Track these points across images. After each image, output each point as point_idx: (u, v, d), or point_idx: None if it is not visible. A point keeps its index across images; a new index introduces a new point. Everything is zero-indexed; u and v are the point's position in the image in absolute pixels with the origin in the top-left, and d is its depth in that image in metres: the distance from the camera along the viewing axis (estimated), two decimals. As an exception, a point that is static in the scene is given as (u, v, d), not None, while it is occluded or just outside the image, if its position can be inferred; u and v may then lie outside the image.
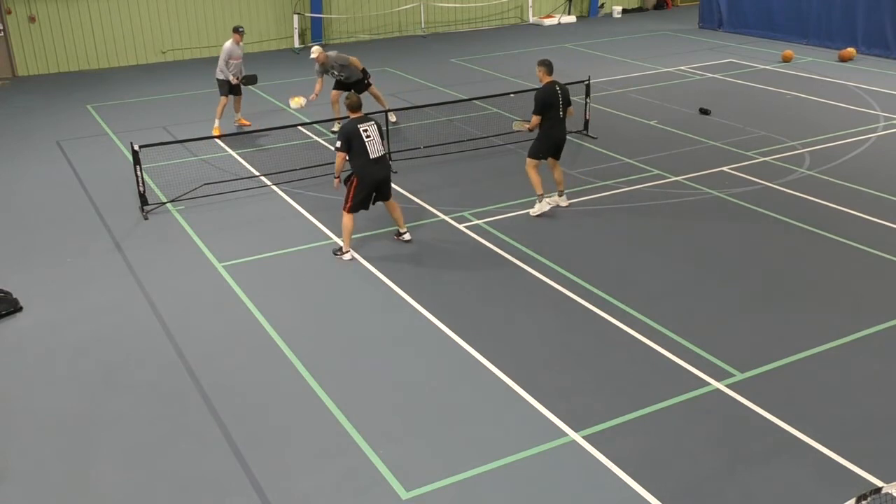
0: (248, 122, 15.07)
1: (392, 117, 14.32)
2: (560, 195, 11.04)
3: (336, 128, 14.45)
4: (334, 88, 14.46)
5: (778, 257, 9.61)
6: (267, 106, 16.66)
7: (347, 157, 9.62)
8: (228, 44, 14.25)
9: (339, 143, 9.51)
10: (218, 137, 13.98)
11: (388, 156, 9.86)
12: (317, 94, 14.20)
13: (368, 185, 9.61)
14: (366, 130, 9.49)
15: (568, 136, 13.81)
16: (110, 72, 20.70)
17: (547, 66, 10.62)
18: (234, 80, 14.37)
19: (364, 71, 14.38)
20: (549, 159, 10.87)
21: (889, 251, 9.60)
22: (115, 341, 8.22)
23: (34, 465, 6.47)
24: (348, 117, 9.69)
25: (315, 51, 14.08)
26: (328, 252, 9.97)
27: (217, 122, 14.57)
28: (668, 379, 7.30)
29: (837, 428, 6.60)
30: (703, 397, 7.04)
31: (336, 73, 14.21)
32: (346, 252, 9.76)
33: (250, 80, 14.71)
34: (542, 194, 10.77)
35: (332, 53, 14.23)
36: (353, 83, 14.28)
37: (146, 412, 7.10)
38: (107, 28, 20.93)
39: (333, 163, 9.80)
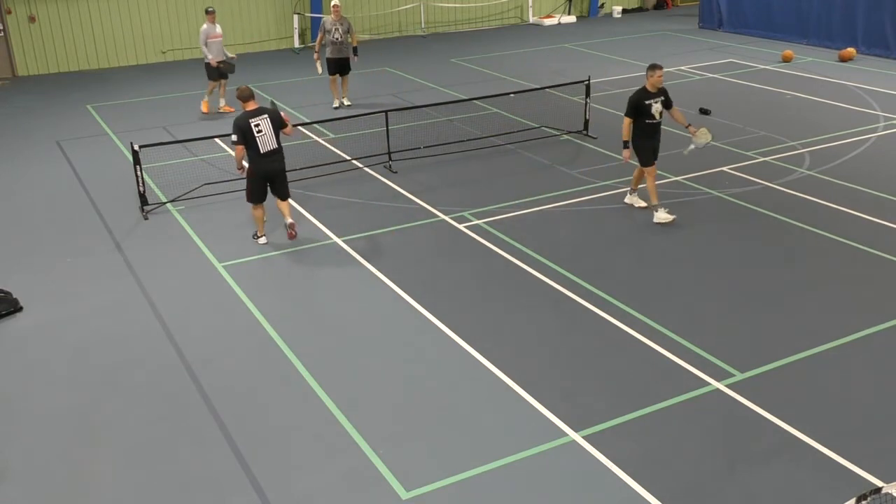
0: (231, 109, 15.68)
1: (346, 101, 16.15)
2: (631, 193, 11.06)
3: (336, 104, 16.05)
4: (330, 73, 15.87)
5: (778, 257, 9.61)
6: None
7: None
8: (204, 25, 15.51)
9: (234, 138, 9.73)
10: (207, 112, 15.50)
11: (281, 151, 10.01)
12: (318, 54, 15.90)
13: (260, 177, 9.92)
14: (257, 125, 9.65)
15: (568, 136, 13.99)
16: (110, 72, 20.69)
17: (649, 67, 10.43)
18: (213, 63, 15.37)
19: (355, 49, 15.76)
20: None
21: (889, 251, 9.60)
22: (115, 341, 8.21)
23: (34, 465, 6.47)
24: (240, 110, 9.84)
25: (338, 1, 15.58)
26: (328, 252, 9.97)
27: (206, 97, 15.95)
28: (668, 379, 7.30)
29: (837, 428, 6.60)
30: (703, 397, 7.04)
31: (340, 33, 15.41)
32: (261, 236, 10.22)
33: (228, 67, 15.71)
34: (655, 204, 10.54)
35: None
36: (345, 60, 15.69)
37: (146, 412, 7.10)
38: (107, 28, 20.92)
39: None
